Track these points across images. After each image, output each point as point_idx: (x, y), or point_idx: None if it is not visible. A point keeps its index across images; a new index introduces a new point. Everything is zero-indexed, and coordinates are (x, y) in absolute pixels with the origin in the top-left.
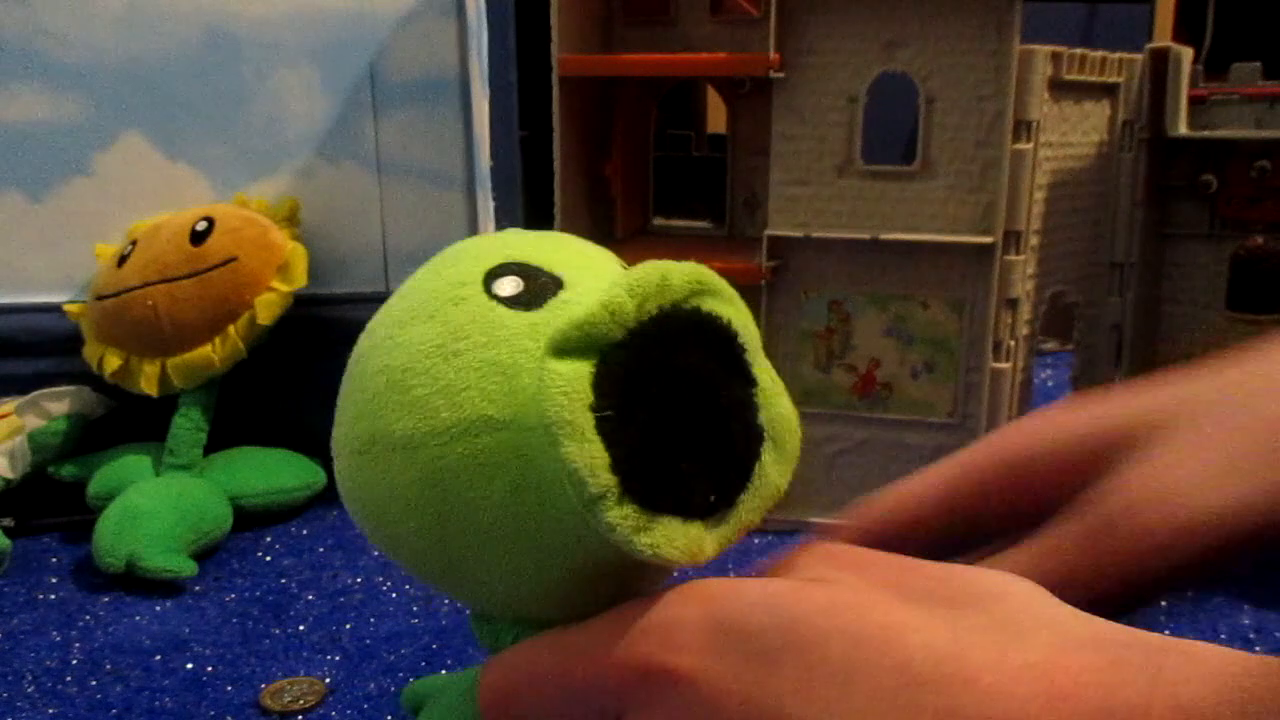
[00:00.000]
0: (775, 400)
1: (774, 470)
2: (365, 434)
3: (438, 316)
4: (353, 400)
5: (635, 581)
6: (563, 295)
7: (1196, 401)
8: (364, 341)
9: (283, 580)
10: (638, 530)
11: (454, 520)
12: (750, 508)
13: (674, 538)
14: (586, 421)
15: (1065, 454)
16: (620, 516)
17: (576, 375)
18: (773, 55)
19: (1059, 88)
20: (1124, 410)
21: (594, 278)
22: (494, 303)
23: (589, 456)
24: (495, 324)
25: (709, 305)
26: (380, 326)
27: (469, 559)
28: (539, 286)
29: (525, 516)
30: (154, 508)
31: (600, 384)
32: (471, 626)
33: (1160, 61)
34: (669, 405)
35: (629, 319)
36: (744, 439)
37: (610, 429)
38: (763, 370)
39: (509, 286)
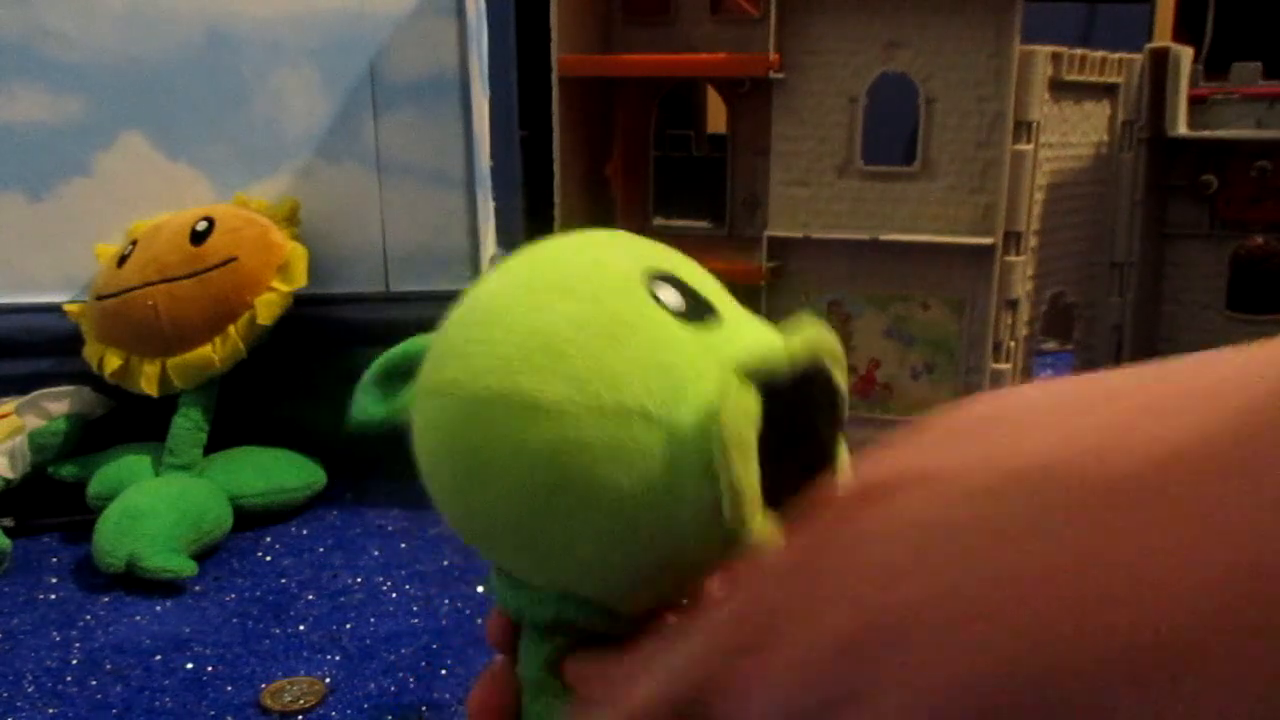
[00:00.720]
0: (841, 448)
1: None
2: (495, 387)
3: (602, 301)
4: (481, 347)
5: (695, 576)
6: (724, 323)
7: None
8: (495, 295)
9: (283, 580)
10: (769, 538)
11: (567, 494)
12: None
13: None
14: (754, 440)
15: None
16: (763, 526)
17: (754, 402)
18: (773, 55)
19: (1059, 88)
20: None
21: (734, 311)
22: (659, 306)
23: (751, 475)
24: (663, 327)
25: (835, 372)
26: (516, 288)
27: (559, 533)
28: (699, 307)
29: (643, 508)
30: (154, 508)
31: (765, 414)
32: (495, 587)
33: (1160, 61)
34: (787, 439)
35: (798, 370)
36: (817, 472)
37: (763, 453)
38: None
39: (672, 297)
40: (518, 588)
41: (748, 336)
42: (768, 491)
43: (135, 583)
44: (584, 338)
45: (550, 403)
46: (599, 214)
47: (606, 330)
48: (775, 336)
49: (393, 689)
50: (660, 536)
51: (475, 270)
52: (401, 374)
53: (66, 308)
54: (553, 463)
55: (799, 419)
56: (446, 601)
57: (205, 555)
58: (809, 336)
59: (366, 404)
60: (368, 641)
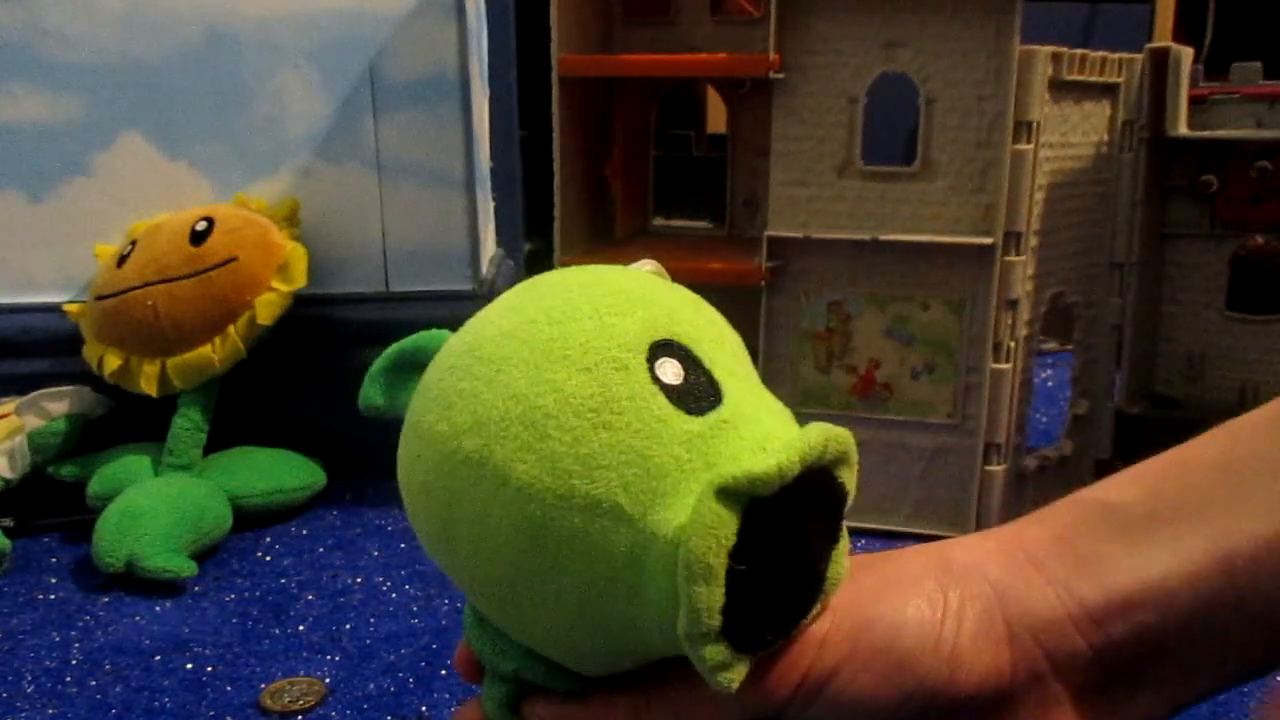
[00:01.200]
0: (840, 559)
1: (810, 618)
2: (470, 451)
3: (596, 375)
4: (466, 402)
5: (662, 655)
6: (722, 411)
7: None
8: (493, 343)
9: (283, 580)
10: (721, 667)
11: (530, 570)
12: (775, 647)
13: (742, 674)
14: (721, 567)
15: None
16: (714, 654)
17: (728, 522)
18: (773, 55)
19: (1059, 88)
20: None
21: (741, 389)
22: (655, 388)
23: (712, 600)
24: (653, 415)
25: (839, 472)
26: (514, 341)
27: (524, 601)
28: (699, 387)
29: (606, 601)
30: (154, 508)
31: (742, 534)
32: (467, 622)
33: (1160, 61)
34: (776, 557)
35: (788, 481)
36: (813, 594)
37: (733, 577)
38: (841, 526)
39: (672, 374)
40: (485, 631)
41: (746, 433)
42: (740, 612)
43: (135, 583)
44: (567, 416)
45: (520, 481)
46: (599, 214)
47: (593, 411)
48: (779, 425)
49: (393, 689)
50: (623, 629)
51: (475, 270)
52: (411, 366)
53: (66, 308)
54: (516, 538)
55: (791, 530)
56: (446, 602)
57: (205, 555)
58: (810, 441)
59: (372, 393)
60: (368, 641)
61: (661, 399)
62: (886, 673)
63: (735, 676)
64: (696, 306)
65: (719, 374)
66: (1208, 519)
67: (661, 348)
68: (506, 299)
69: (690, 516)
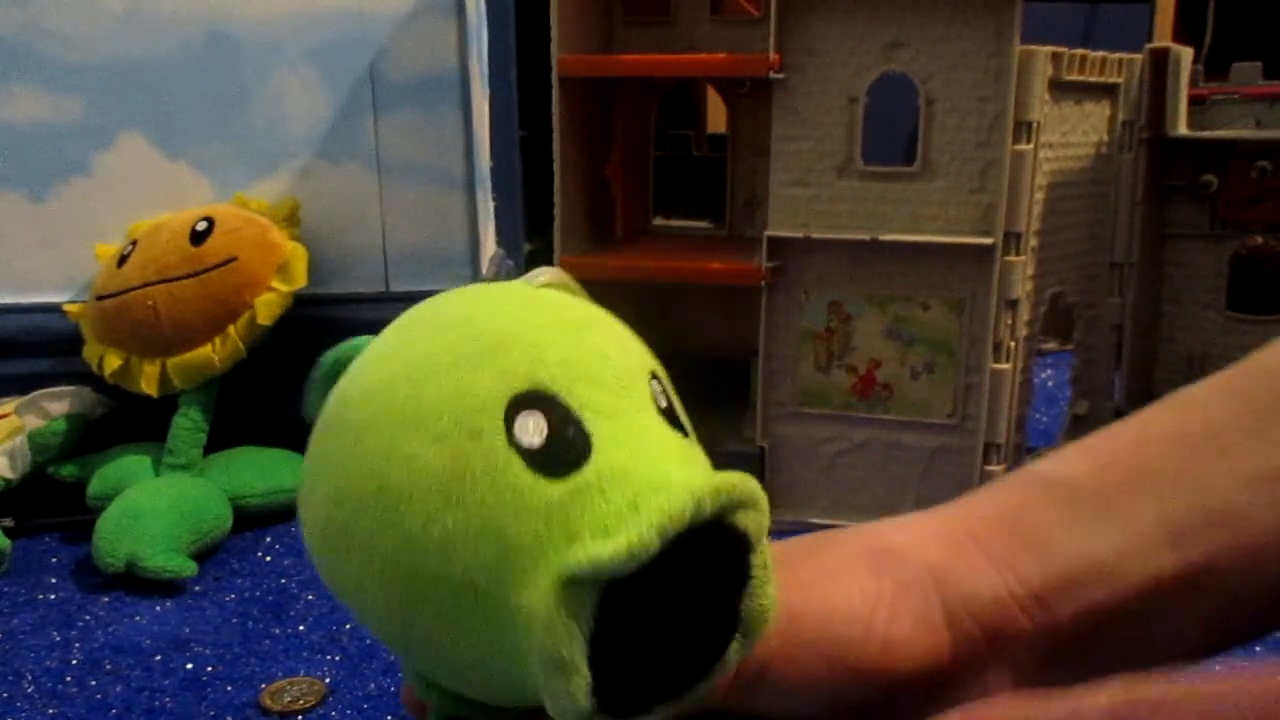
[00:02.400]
0: (760, 591)
1: (732, 659)
2: (335, 518)
3: (448, 445)
4: (329, 465)
5: None
6: (586, 471)
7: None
8: (355, 402)
9: (283, 580)
10: None
11: (423, 641)
12: (695, 696)
13: None
14: (579, 657)
15: None
16: None
17: (581, 610)
18: (773, 55)
19: (1059, 88)
20: None
21: (624, 430)
22: (512, 453)
23: (574, 688)
24: (509, 485)
25: (737, 517)
26: (380, 407)
27: (427, 657)
28: (564, 442)
29: (499, 660)
30: (154, 508)
31: (602, 614)
32: (404, 666)
33: (1160, 61)
34: (658, 617)
35: (649, 558)
36: (722, 639)
37: (600, 655)
38: (759, 560)
39: (532, 432)
40: (422, 682)
41: (613, 494)
42: (655, 666)
43: (135, 583)
44: (420, 494)
45: (383, 560)
46: (599, 214)
47: (444, 488)
48: (660, 475)
49: (393, 689)
50: (522, 682)
51: (475, 270)
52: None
53: (66, 308)
54: (391, 609)
55: (686, 580)
56: None
57: (205, 555)
58: (672, 509)
59: (315, 404)
60: (368, 641)
61: (518, 465)
62: (817, 664)
63: None
64: (579, 331)
65: (593, 419)
66: (1158, 493)
67: (522, 402)
68: (389, 333)
69: (540, 608)
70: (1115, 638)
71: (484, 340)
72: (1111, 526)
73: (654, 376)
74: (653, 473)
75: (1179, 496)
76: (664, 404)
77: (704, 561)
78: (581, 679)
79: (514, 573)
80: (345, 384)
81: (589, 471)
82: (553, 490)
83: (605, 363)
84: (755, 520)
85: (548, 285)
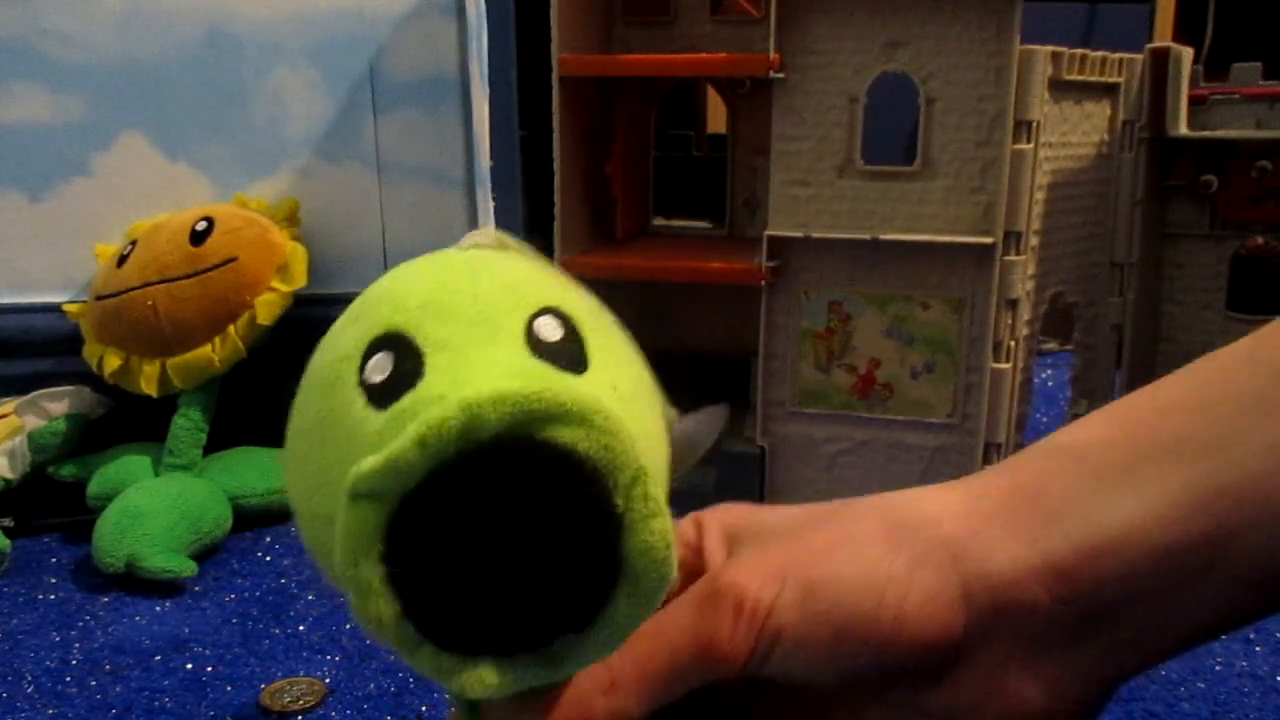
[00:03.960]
0: (640, 528)
1: (625, 609)
2: (286, 476)
3: (318, 393)
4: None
5: None
6: (405, 400)
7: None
8: (309, 363)
9: (283, 580)
10: (442, 672)
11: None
12: (592, 649)
13: (485, 678)
14: (375, 575)
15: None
16: (423, 659)
17: (365, 525)
18: (773, 55)
19: (1059, 88)
20: (765, 516)
21: (459, 360)
22: (359, 391)
23: (376, 610)
24: (353, 420)
25: (553, 433)
26: (310, 368)
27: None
28: (400, 375)
29: None
30: (154, 508)
31: (395, 533)
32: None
33: (1160, 61)
34: (481, 545)
35: (417, 469)
36: (584, 578)
37: (404, 579)
38: (626, 491)
39: (377, 371)
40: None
41: (424, 415)
42: (489, 599)
43: (135, 583)
44: (302, 439)
45: (298, 505)
46: (599, 214)
47: (314, 430)
48: (404, 442)
49: (393, 689)
50: None
51: None
52: None
53: (66, 308)
54: (314, 554)
55: (504, 505)
56: None
57: (205, 555)
58: (429, 425)
59: None
60: (368, 641)
61: (361, 401)
62: (829, 638)
63: (470, 684)
64: (450, 277)
65: (432, 353)
66: (1189, 458)
67: (377, 344)
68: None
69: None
70: (1136, 610)
71: (369, 299)
72: (1136, 495)
73: (550, 312)
74: (460, 391)
75: (1201, 465)
76: (554, 337)
77: (556, 495)
78: (381, 600)
79: None
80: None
81: (407, 399)
82: (379, 418)
83: (469, 301)
84: (592, 440)
85: (476, 246)
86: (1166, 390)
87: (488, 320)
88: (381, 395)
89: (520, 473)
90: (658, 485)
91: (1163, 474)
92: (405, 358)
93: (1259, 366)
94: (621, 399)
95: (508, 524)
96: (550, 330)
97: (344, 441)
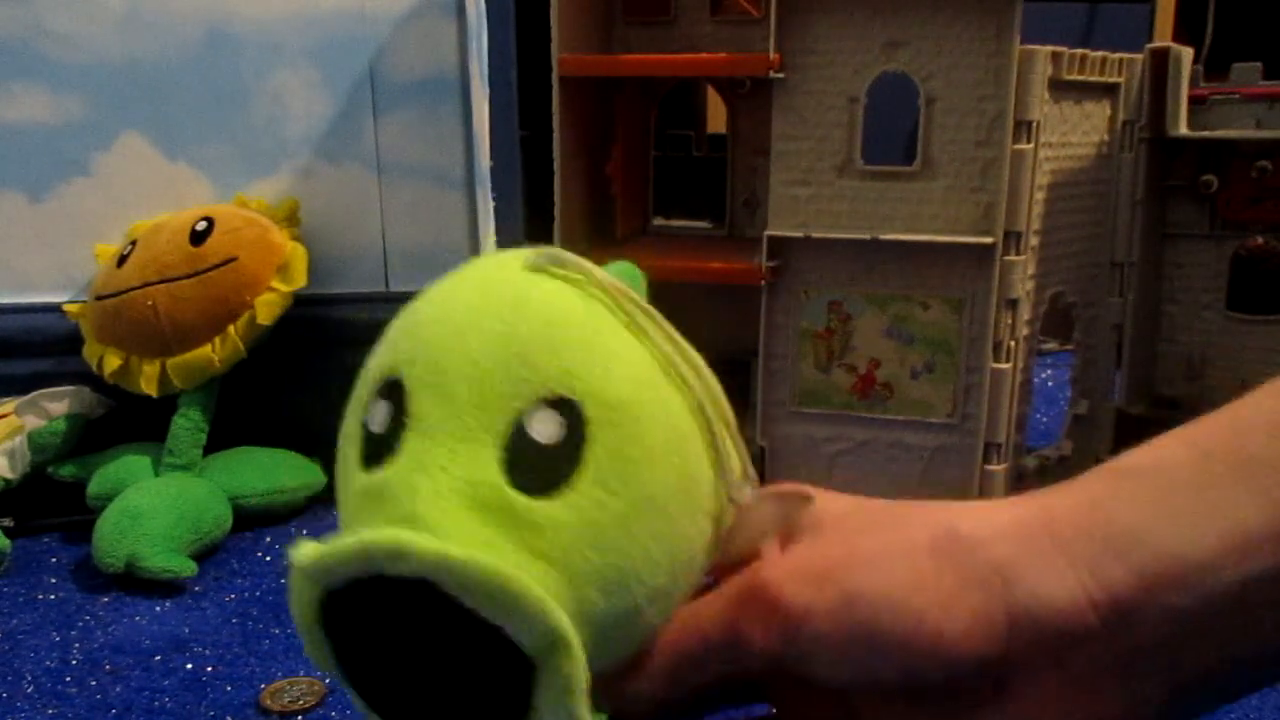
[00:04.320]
0: (549, 693)
1: (549, 695)
2: None
3: (352, 410)
4: None
5: None
6: (379, 475)
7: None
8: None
9: (283, 580)
10: None
11: None
12: None
13: None
14: (318, 639)
15: None
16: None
17: (305, 596)
18: (773, 55)
19: (1059, 88)
20: (823, 503)
21: (439, 447)
22: (361, 433)
23: (327, 669)
24: (349, 461)
25: (460, 595)
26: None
27: None
28: (385, 441)
29: None
30: (154, 508)
31: (330, 611)
32: None
33: (1160, 61)
34: (398, 654)
35: (339, 577)
36: (498, 680)
37: (341, 652)
38: (551, 665)
39: (375, 421)
40: None
41: (388, 506)
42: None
43: (135, 583)
44: (341, 453)
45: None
46: (599, 214)
47: (342, 448)
48: (418, 507)
49: None
50: None
51: None
52: None
53: (66, 308)
54: None
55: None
56: None
57: (205, 555)
58: (347, 544)
59: None
60: None
61: (357, 446)
62: (863, 650)
63: None
64: (466, 333)
65: (413, 434)
66: (1263, 485)
67: (382, 387)
68: None
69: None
70: (1199, 642)
71: (407, 318)
72: (1210, 521)
73: (555, 404)
74: (420, 507)
75: None
76: (548, 440)
77: (469, 636)
78: (327, 662)
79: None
80: None
81: (377, 478)
82: (361, 481)
83: (469, 376)
84: (497, 611)
85: (537, 269)
86: (1252, 408)
87: (476, 407)
88: (369, 454)
89: (433, 610)
90: (577, 659)
91: (1244, 498)
92: (397, 416)
93: None
94: (598, 525)
95: (421, 645)
96: (546, 430)
97: (343, 475)
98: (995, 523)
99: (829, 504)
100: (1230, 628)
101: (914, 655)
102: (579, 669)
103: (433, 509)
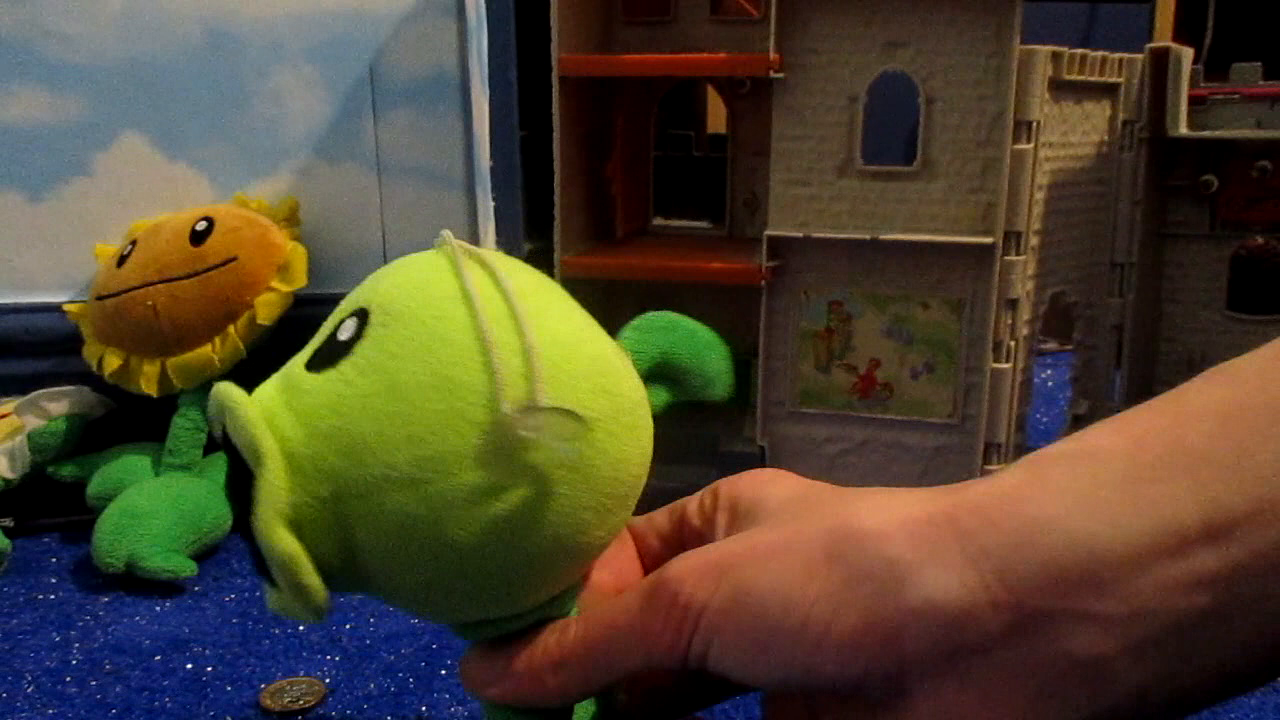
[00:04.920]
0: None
1: (255, 505)
2: None
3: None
4: None
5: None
6: (339, 366)
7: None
8: None
9: None
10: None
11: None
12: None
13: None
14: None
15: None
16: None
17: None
18: (773, 55)
19: (1059, 88)
20: (770, 491)
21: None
22: (316, 344)
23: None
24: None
25: (215, 407)
26: None
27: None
28: (340, 343)
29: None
30: (154, 508)
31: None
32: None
33: (1160, 61)
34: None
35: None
36: (242, 487)
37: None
38: (256, 479)
39: (345, 333)
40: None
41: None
42: None
43: (135, 583)
44: None
45: None
46: (599, 214)
47: None
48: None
49: (393, 689)
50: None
51: None
52: None
53: (66, 308)
54: None
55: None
56: None
57: (205, 555)
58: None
59: None
60: (368, 641)
61: (310, 348)
62: (753, 648)
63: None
64: (376, 278)
65: (364, 327)
66: (1199, 476)
67: (356, 313)
68: None
69: None
70: (1127, 658)
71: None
72: (1139, 516)
73: (358, 314)
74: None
75: (1225, 481)
76: (342, 338)
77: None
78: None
79: None
80: None
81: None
82: (310, 378)
83: (348, 304)
84: (230, 427)
85: (443, 245)
86: (1190, 397)
87: (333, 318)
88: (321, 359)
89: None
90: (269, 474)
91: (1174, 490)
92: (360, 323)
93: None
94: (341, 396)
95: (231, 460)
96: (345, 331)
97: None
98: (899, 515)
99: (771, 490)
100: (1164, 640)
101: (803, 652)
102: (269, 483)
103: (266, 383)
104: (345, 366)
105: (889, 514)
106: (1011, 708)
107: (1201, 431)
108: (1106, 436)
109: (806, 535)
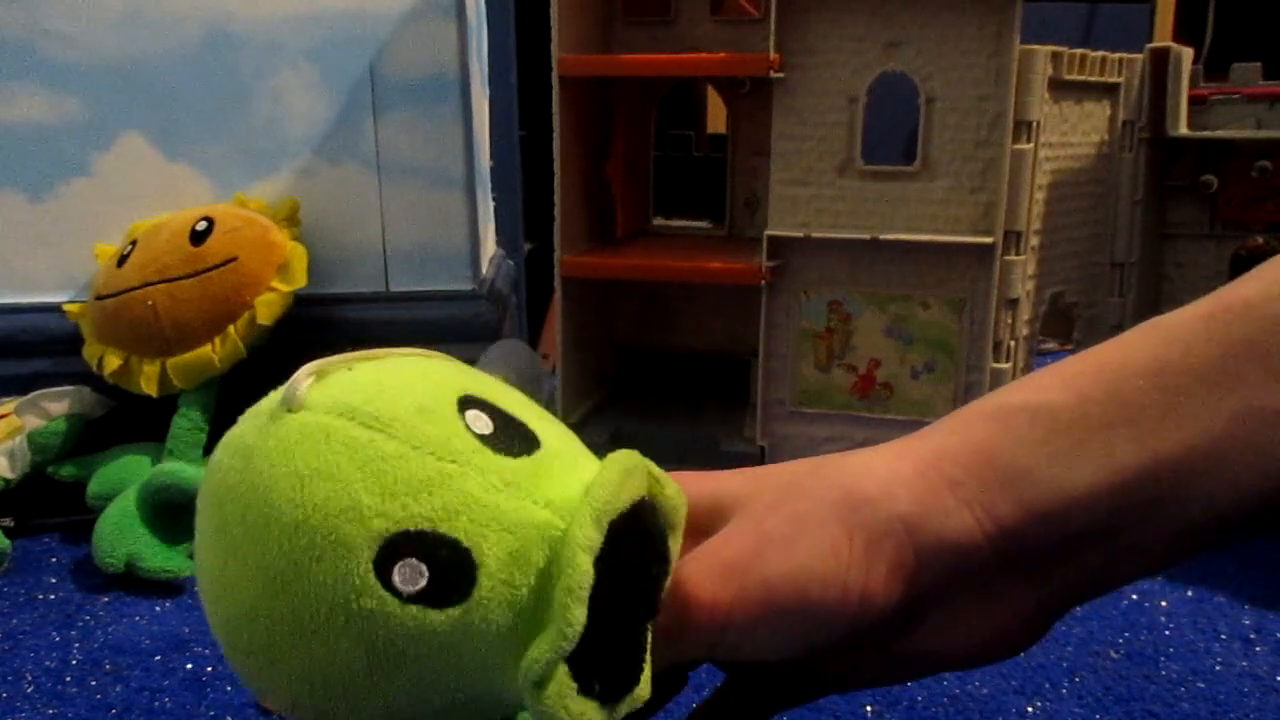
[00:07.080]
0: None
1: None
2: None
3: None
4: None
5: None
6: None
7: (758, 488)
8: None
9: None
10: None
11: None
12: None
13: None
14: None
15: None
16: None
17: (561, 686)
18: (773, 55)
19: (1059, 88)
20: (719, 488)
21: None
22: (390, 597)
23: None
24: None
25: (659, 508)
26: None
27: None
28: (445, 575)
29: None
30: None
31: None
32: None
33: (1160, 61)
34: (614, 607)
35: (577, 628)
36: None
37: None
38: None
39: (411, 577)
40: None
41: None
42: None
43: (135, 583)
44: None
45: (237, 622)
46: (599, 214)
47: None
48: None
49: None
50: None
51: (475, 270)
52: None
53: (66, 308)
54: None
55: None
56: None
57: None
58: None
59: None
60: None
61: (411, 608)
62: (794, 629)
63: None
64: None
65: (472, 541)
66: (1139, 426)
67: (394, 545)
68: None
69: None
70: (1081, 555)
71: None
72: (1090, 461)
73: (471, 404)
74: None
75: (1159, 432)
76: (485, 431)
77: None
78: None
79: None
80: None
81: (478, 596)
82: (441, 615)
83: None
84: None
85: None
86: (1126, 352)
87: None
88: (431, 597)
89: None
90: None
91: (1117, 440)
92: (436, 557)
93: (1216, 334)
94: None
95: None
96: (477, 422)
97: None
98: (895, 477)
99: (726, 484)
100: (1106, 542)
101: (849, 615)
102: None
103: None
104: None
105: (886, 477)
106: (1002, 595)
107: (1136, 388)
108: (1057, 391)
109: (816, 513)
